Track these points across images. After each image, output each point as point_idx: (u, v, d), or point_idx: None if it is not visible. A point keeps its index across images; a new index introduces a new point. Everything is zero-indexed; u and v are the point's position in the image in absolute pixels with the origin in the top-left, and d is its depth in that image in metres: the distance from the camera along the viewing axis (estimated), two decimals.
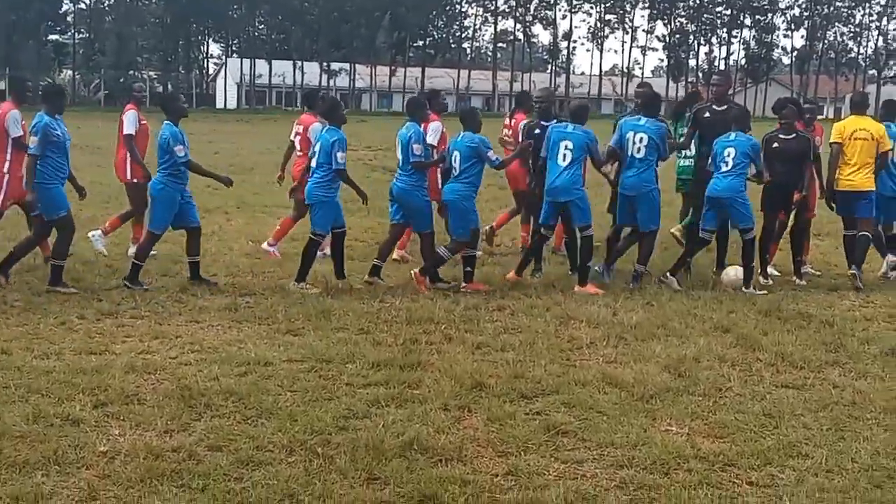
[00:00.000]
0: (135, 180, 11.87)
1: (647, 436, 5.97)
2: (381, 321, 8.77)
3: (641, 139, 10.43)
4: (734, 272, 10.68)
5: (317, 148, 10.35)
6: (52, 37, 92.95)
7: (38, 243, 10.49)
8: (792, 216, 11.26)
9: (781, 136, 10.88)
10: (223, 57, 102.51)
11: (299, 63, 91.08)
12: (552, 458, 5.65)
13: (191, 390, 6.56)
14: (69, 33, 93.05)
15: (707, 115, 11.14)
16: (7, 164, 10.20)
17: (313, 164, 10.37)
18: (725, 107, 11.21)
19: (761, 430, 6.15)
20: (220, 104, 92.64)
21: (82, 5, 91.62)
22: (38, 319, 8.55)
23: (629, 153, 10.51)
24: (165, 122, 10.26)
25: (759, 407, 6.58)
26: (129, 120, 11.94)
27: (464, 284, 10.34)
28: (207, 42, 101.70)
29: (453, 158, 10.36)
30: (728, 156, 10.38)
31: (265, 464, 5.41)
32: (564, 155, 10.34)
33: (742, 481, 5.35)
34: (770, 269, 11.29)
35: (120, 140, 12.10)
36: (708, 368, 7.46)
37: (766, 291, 10.44)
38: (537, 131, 11.08)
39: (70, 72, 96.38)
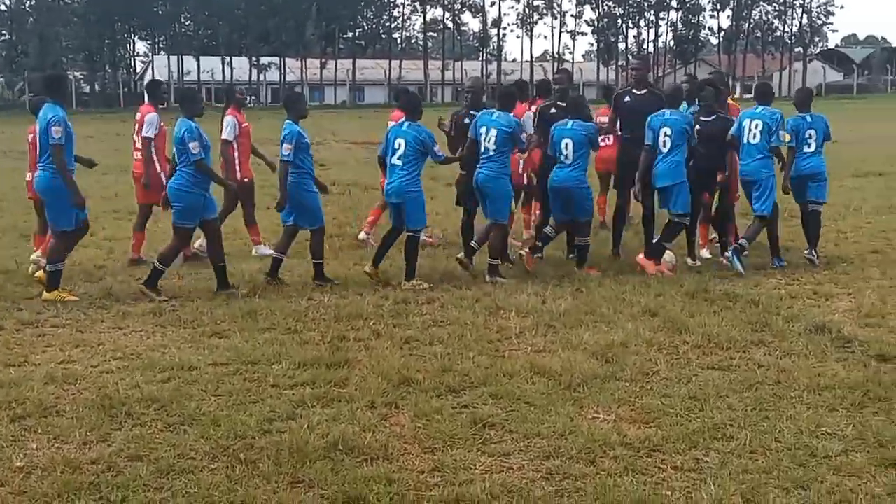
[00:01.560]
0: (245, 179, 11.92)
1: (573, 425, 5.96)
2: (308, 319, 8.67)
3: (567, 145, 10.43)
4: (668, 256, 10.74)
5: (398, 146, 10.18)
6: None
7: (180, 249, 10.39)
8: (716, 197, 11.37)
9: (702, 118, 10.94)
10: (150, 55, 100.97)
11: (228, 59, 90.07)
12: (479, 451, 5.62)
13: (111, 399, 6.43)
14: None
15: (627, 99, 11.21)
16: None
17: (394, 161, 10.21)
18: (645, 90, 11.29)
19: (687, 413, 6.18)
20: None
21: (2, 7, 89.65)
22: None
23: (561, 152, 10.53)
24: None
25: (685, 390, 6.62)
26: (229, 125, 11.81)
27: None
28: (133, 40, 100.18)
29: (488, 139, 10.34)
30: (665, 135, 10.44)
31: (187, 472, 5.30)
32: (488, 143, 10.28)
33: (667, 466, 5.37)
34: (703, 252, 11.40)
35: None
36: (635, 353, 7.49)
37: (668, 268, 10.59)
38: (466, 121, 10.99)
39: None
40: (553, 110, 11.21)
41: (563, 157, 10.45)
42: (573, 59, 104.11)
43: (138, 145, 11.80)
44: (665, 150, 10.44)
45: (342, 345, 7.80)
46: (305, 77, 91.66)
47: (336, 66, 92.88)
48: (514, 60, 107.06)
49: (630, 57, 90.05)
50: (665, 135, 10.41)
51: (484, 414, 6.18)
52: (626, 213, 11.70)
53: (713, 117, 10.93)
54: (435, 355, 7.47)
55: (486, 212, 10.56)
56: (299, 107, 10.56)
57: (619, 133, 11.47)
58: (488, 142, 10.25)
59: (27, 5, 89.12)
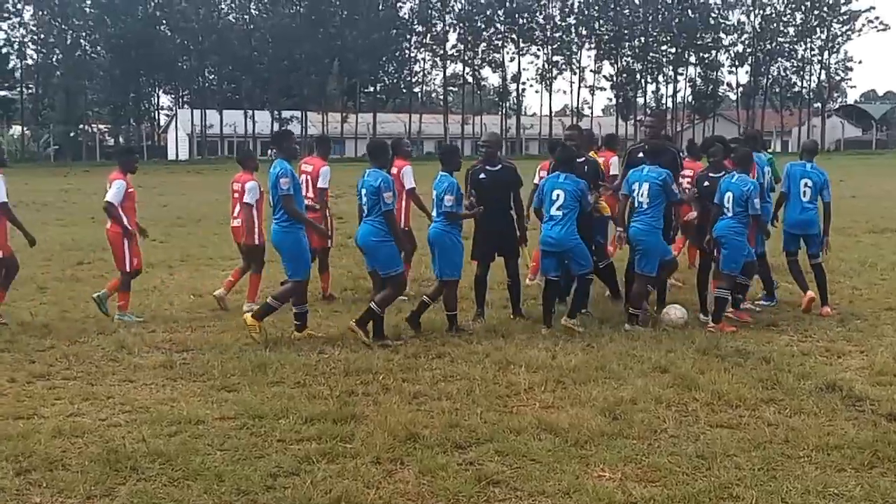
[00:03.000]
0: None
1: (578, 483, 5.93)
2: (318, 373, 8.69)
3: (559, 196, 10.44)
4: (674, 311, 10.73)
5: (556, 197, 10.35)
6: (0, 93, 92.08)
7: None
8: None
9: (711, 174, 11.02)
10: (174, 108, 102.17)
11: (250, 112, 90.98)
12: None
13: (117, 453, 6.44)
14: (17, 89, 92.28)
15: (641, 155, 11.25)
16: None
17: (553, 212, 10.35)
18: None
19: (694, 472, 6.14)
20: (171, 155, 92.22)
21: (29, 61, 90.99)
22: None
23: (548, 209, 10.55)
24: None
25: (692, 448, 6.58)
26: (408, 175, 12.14)
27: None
28: (158, 93, 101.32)
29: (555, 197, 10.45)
30: (556, 199, 10.38)
31: None
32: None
33: None
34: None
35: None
36: (644, 410, 7.45)
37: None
38: (482, 176, 11.05)
39: (19, 127, 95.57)
40: (641, 155, 11.24)
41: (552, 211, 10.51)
42: (592, 113, 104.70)
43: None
44: (559, 214, 10.42)
45: (350, 399, 7.80)
46: (327, 130, 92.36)
47: (357, 119, 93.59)
48: (533, 115, 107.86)
49: (648, 111, 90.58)
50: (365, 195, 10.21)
51: (489, 471, 6.15)
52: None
53: (722, 173, 10.98)
54: (442, 411, 7.45)
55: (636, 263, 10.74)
56: (455, 160, 10.82)
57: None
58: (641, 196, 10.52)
59: (53, 59, 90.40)
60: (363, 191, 10.22)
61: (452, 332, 10.40)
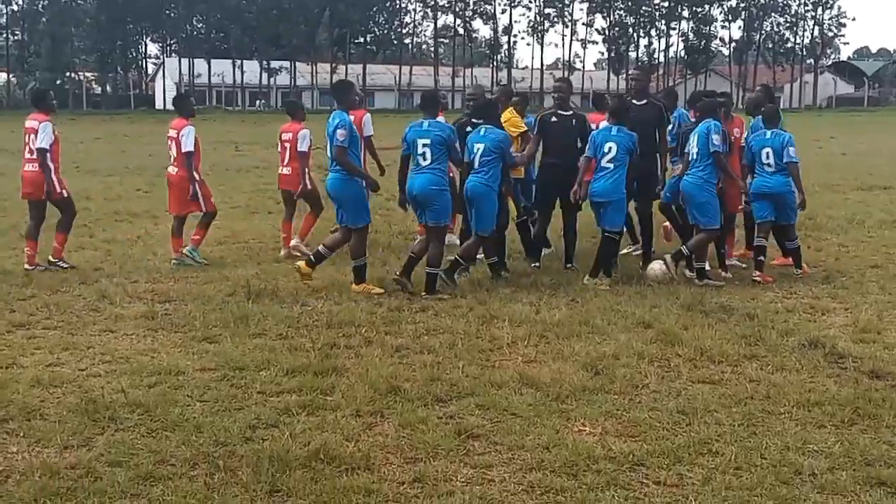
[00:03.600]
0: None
1: (559, 437, 5.91)
2: (300, 326, 8.63)
3: (611, 148, 10.41)
4: (659, 266, 10.69)
5: (608, 149, 10.32)
6: None
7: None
8: None
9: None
10: (161, 57, 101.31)
11: (239, 62, 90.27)
12: (461, 463, 5.57)
13: (96, 403, 6.39)
14: (2, 36, 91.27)
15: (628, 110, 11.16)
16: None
17: (605, 163, 10.31)
18: (645, 101, 11.26)
19: (674, 427, 6.12)
20: (159, 104, 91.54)
21: (14, 7, 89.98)
22: None
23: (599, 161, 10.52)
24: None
25: (673, 404, 6.56)
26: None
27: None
28: (145, 42, 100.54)
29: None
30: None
31: (165, 479, 5.26)
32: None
33: (650, 481, 5.31)
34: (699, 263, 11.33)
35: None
36: (626, 366, 7.42)
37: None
38: (469, 129, 10.92)
39: (4, 74, 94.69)
40: (553, 119, 11.20)
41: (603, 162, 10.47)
42: (584, 67, 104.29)
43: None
44: (610, 166, 10.39)
45: (332, 352, 7.75)
46: (316, 81, 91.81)
47: (347, 70, 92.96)
48: (524, 68, 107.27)
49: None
50: (423, 146, 10.09)
51: (469, 425, 6.13)
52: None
53: None
54: (424, 364, 7.41)
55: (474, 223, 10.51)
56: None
57: None
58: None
59: (39, 6, 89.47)
60: (422, 140, 10.03)
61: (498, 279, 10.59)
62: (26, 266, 11.17)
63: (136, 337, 8.33)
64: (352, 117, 10.55)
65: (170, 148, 12.03)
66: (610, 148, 10.35)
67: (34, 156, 11.21)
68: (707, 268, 10.68)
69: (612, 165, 10.37)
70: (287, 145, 12.40)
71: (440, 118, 10.61)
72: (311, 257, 10.41)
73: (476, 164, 10.31)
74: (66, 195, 11.54)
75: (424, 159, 10.04)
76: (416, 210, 10.41)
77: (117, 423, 6.12)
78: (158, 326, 8.64)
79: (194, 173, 11.76)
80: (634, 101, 11.24)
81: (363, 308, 9.29)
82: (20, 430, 5.99)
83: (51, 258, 11.32)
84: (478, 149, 10.30)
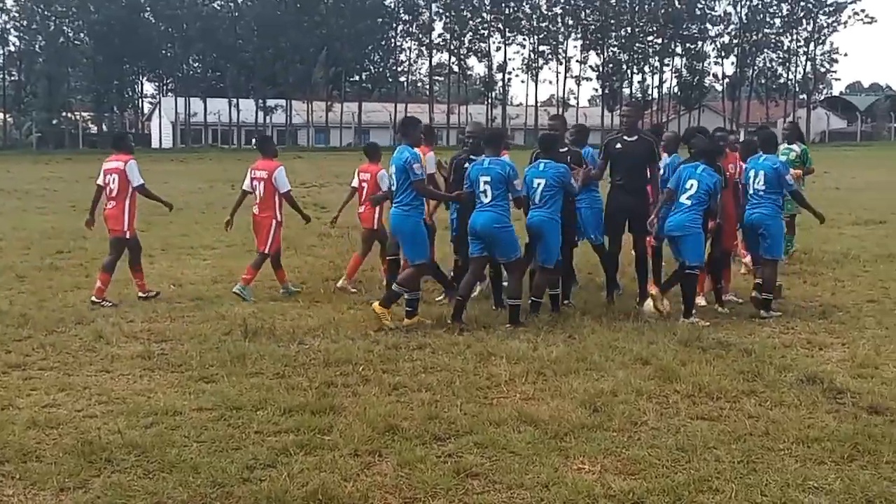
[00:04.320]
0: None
1: (557, 475, 5.88)
2: (297, 364, 8.61)
3: (692, 185, 10.50)
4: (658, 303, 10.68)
5: (689, 186, 10.42)
6: None
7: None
8: (708, 245, 11.31)
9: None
10: (157, 96, 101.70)
11: (235, 100, 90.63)
12: (461, 502, 5.55)
13: (92, 445, 6.36)
14: None
15: (619, 146, 11.23)
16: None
17: (683, 199, 10.43)
18: (636, 137, 11.29)
19: (673, 464, 6.10)
20: (155, 144, 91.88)
21: (11, 48, 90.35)
22: None
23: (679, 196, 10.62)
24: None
25: (672, 441, 6.53)
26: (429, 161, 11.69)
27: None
28: (141, 81, 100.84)
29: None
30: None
31: None
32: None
33: None
34: (699, 300, 11.32)
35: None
36: (624, 402, 7.40)
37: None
38: (466, 165, 10.95)
39: (1, 115, 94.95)
40: (619, 145, 11.25)
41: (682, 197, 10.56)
42: (578, 103, 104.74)
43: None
44: (687, 203, 10.46)
45: (329, 391, 7.73)
46: (312, 119, 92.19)
47: (342, 108, 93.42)
48: (519, 105, 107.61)
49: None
50: (484, 183, 10.21)
51: (468, 463, 6.10)
52: (617, 260, 11.62)
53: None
54: (422, 402, 7.39)
55: (497, 253, 10.52)
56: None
57: (610, 179, 11.51)
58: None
59: (36, 46, 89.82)
60: (483, 178, 10.19)
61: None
62: (93, 298, 11.53)
63: (132, 377, 8.29)
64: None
65: (254, 189, 12.40)
66: (691, 185, 10.45)
67: (113, 194, 11.88)
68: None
69: (689, 202, 10.46)
70: (365, 185, 12.71)
71: (504, 156, 10.72)
72: (385, 297, 10.50)
73: (538, 199, 10.39)
74: (134, 233, 12.08)
75: (486, 196, 10.20)
76: (475, 244, 10.49)
77: (114, 464, 6.08)
78: (155, 366, 8.61)
79: (278, 214, 12.21)
80: (626, 138, 11.28)
81: (360, 346, 9.26)
82: (16, 473, 5.94)
83: (140, 294, 11.96)
84: (538, 184, 10.41)
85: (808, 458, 6.21)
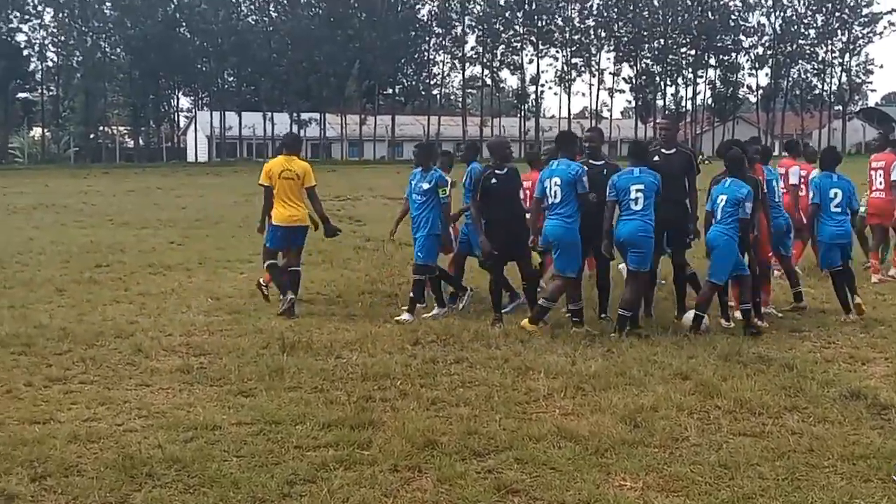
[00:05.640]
0: None
1: (599, 492, 5.83)
2: (335, 378, 8.61)
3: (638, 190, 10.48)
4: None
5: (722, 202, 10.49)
6: (21, 95, 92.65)
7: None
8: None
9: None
10: (193, 110, 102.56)
11: (269, 114, 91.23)
12: None
13: (133, 459, 6.38)
14: (37, 91, 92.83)
15: (657, 158, 11.16)
16: None
17: (718, 214, 10.48)
18: (674, 150, 11.24)
19: (716, 481, 6.03)
20: (190, 157, 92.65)
21: (49, 63, 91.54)
22: None
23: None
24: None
25: (715, 457, 6.46)
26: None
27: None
28: (177, 95, 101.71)
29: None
30: (637, 196, 10.35)
31: None
32: (636, 199, 10.36)
33: None
34: (736, 313, 11.23)
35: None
36: (665, 418, 7.33)
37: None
38: (493, 181, 10.97)
39: (39, 129, 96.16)
40: (656, 158, 11.19)
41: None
42: (611, 115, 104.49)
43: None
44: (636, 207, 10.38)
45: (368, 405, 7.72)
46: (345, 133, 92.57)
47: (375, 121, 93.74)
48: (552, 117, 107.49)
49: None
50: (637, 191, 10.35)
51: (508, 479, 6.06)
52: (655, 273, 11.55)
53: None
54: (461, 417, 7.37)
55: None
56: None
57: None
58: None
59: (74, 62, 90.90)
60: (635, 186, 10.34)
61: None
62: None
63: (171, 391, 8.32)
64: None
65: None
66: (721, 200, 10.52)
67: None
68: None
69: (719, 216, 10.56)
70: (527, 192, 12.50)
71: None
72: (533, 313, 10.68)
73: (640, 206, 10.36)
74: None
75: (636, 204, 10.33)
76: (621, 253, 10.71)
77: (154, 479, 6.09)
78: (194, 380, 8.63)
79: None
80: (663, 150, 11.23)
81: (397, 360, 9.25)
82: (58, 487, 5.97)
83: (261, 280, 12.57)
84: (638, 190, 10.38)
85: (853, 475, 6.12)
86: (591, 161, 11.24)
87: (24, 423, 7.29)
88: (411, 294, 11.58)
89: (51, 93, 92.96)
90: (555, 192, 10.48)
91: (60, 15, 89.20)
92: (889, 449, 6.53)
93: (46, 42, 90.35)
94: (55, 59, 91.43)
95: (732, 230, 10.39)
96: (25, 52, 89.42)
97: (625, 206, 10.37)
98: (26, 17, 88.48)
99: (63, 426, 7.20)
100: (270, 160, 12.67)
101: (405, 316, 11.27)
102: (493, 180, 10.95)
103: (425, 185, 11.53)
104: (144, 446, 6.71)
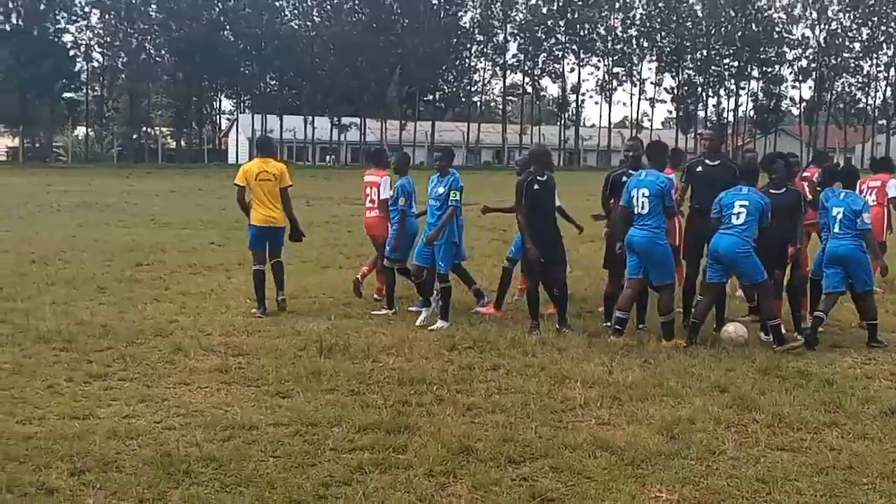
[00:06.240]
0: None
1: (635, 503, 5.80)
2: (372, 382, 8.64)
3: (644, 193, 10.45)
4: (734, 328, 10.54)
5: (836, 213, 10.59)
6: (67, 94, 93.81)
7: None
8: (787, 271, 11.15)
9: (772, 191, 10.82)
10: (235, 112, 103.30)
11: (310, 118, 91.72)
12: None
13: (171, 457, 6.44)
14: (82, 91, 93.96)
15: (700, 169, 11.14)
16: None
17: (737, 221, 10.36)
18: (718, 162, 11.22)
19: (754, 496, 5.99)
20: (232, 159, 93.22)
21: (95, 63, 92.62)
22: (26, 383, 8.44)
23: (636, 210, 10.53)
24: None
25: (752, 471, 6.41)
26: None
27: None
28: (220, 98, 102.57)
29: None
30: (739, 211, 10.33)
31: None
32: (739, 214, 10.34)
33: None
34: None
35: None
36: (702, 430, 7.28)
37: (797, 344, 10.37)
38: (536, 187, 10.99)
39: (84, 129, 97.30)
40: (624, 178, 11.18)
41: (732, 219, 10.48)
42: (652, 125, 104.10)
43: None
44: (736, 221, 10.33)
45: (404, 409, 7.73)
46: (385, 138, 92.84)
47: (416, 127, 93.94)
48: (592, 126, 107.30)
49: (709, 125, 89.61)
50: (740, 206, 10.31)
51: (543, 488, 6.05)
52: (694, 284, 11.49)
53: (783, 190, 10.81)
54: (497, 424, 7.37)
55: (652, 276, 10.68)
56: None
57: (690, 202, 11.44)
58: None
59: (119, 63, 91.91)
60: (740, 202, 10.32)
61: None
62: (375, 296, 12.91)
63: (209, 390, 8.39)
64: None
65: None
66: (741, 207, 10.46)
67: (375, 205, 12.70)
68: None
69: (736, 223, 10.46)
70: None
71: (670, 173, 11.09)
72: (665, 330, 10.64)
73: (741, 221, 10.32)
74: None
75: (737, 219, 10.32)
76: (714, 269, 10.60)
77: (192, 476, 6.15)
78: (232, 380, 8.70)
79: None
80: (707, 161, 11.21)
81: (434, 366, 9.27)
82: (97, 482, 6.04)
83: (375, 296, 12.99)
84: (742, 205, 10.36)
85: (893, 493, 6.06)
86: (629, 171, 11.22)
87: (64, 419, 7.39)
88: (440, 302, 11.58)
89: (95, 93, 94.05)
90: (642, 203, 10.45)
91: (107, 16, 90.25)
92: None
93: (92, 43, 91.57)
94: (101, 59, 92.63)
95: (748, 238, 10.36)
96: (72, 53, 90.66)
97: (726, 219, 10.37)
98: (73, 17, 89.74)
99: (103, 422, 7.29)
100: (247, 162, 13.00)
101: (439, 323, 11.27)
102: (536, 186, 10.95)
103: (441, 190, 11.55)
104: (182, 444, 6.77)
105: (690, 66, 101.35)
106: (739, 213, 10.26)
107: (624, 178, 11.13)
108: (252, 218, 12.35)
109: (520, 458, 6.63)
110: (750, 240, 10.28)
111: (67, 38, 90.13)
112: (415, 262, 11.81)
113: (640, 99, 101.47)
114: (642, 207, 10.45)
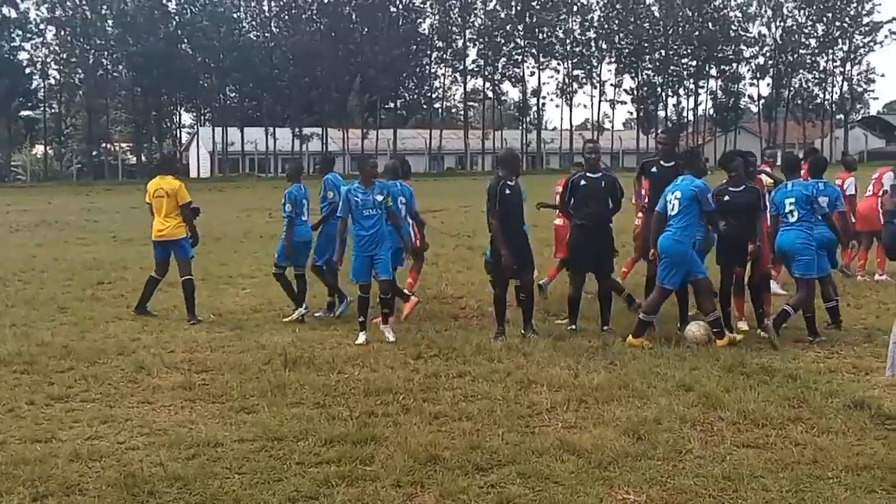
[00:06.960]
0: None
1: None
2: (338, 394, 8.60)
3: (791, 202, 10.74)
4: (697, 327, 10.59)
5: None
6: (24, 113, 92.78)
7: None
8: (748, 268, 11.23)
9: (731, 188, 10.92)
10: (195, 126, 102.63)
11: (271, 129, 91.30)
12: None
13: (135, 478, 6.37)
14: (40, 108, 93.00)
15: (654, 170, 11.21)
16: None
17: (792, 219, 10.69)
18: (673, 163, 11.32)
19: (720, 494, 6.00)
20: (193, 173, 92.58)
21: (52, 80, 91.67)
22: None
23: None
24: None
25: (718, 470, 6.43)
26: None
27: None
28: (179, 112, 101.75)
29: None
30: (675, 201, 10.48)
31: None
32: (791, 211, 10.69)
33: None
34: (741, 324, 11.26)
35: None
36: (668, 430, 7.31)
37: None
38: (507, 191, 10.95)
39: (42, 147, 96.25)
40: (583, 182, 11.22)
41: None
42: (613, 127, 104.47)
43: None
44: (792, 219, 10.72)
45: (370, 420, 7.70)
46: (347, 147, 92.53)
47: (377, 136, 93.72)
48: (553, 129, 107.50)
49: (669, 125, 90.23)
50: (790, 204, 10.67)
51: (511, 494, 6.04)
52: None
53: (742, 188, 10.90)
54: (463, 432, 7.35)
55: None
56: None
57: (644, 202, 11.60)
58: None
59: (76, 79, 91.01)
60: (788, 200, 10.70)
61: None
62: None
63: (173, 408, 8.31)
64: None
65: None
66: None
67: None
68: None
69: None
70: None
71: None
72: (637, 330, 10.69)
73: (795, 218, 10.67)
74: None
75: (792, 216, 10.71)
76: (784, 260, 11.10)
77: (157, 497, 6.08)
78: (196, 397, 8.62)
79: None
80: (662, 163, 11.36)
81: (400, 375, 9.25)
82: None
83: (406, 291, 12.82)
84: (791, 203, 10.68)
85: (857, 486, 6.10)
86: (587, 174, 11.28)
87: (25, 442, 7.29)
88: (385, 310, 11.45)
89: (53, 110, 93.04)
90: (674, 205, 10.54)
91: (62, 32, 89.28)
92: (893, 459, 6.51)
93: (48, 60, 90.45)
94: (57, 76, 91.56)
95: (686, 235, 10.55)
96: (28, 71, 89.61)
97: (784, 218, 10.70)
98: (28, 35, 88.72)
99: (65, 445, 7.20)
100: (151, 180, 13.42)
101: (389, 335, 11.10)
102: (507, 191, 10.93)
103: (379, 198, 11.47)
104: (146, 464, 6.69)
105: (649, 66, 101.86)
106: (791, 210, 10.65)
107: (582, 182, 11.17)
108: (152, 232, 12.87)
109: (487, 465, 6.61)
110: (811, 231, 10.67)
111: (23, 55, 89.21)
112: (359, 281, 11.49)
113: (600, 101, 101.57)
114: (673, 209, 10.54)
